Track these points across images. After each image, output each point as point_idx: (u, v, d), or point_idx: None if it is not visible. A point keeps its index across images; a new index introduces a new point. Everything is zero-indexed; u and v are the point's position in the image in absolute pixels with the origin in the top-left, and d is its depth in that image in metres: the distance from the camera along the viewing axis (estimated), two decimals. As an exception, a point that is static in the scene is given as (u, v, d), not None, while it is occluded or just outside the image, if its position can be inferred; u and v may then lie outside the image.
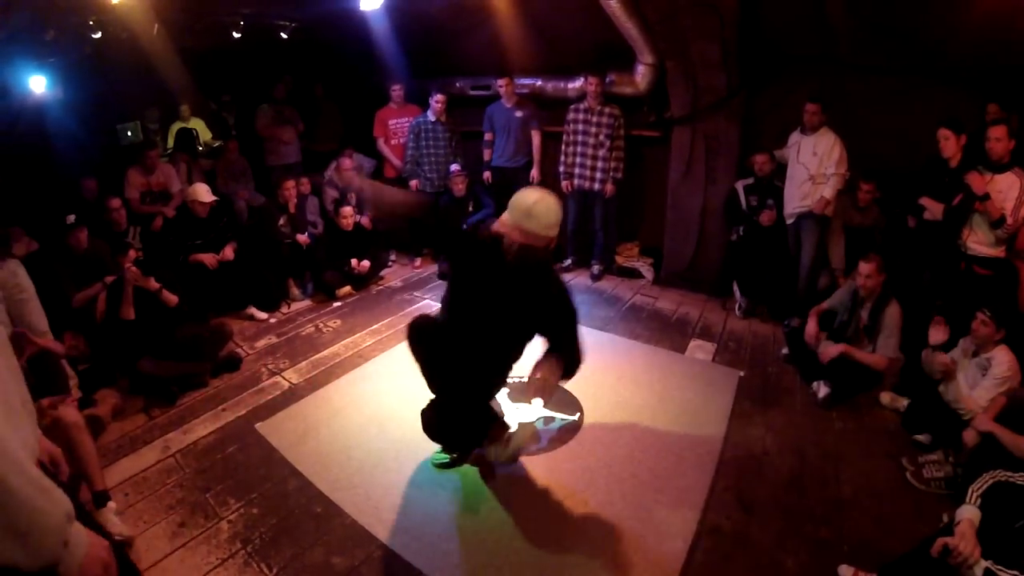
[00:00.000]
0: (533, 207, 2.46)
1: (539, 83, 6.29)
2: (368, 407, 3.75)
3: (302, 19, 6.27)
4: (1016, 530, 2.27)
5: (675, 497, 3.08)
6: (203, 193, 4.85)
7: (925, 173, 4.24)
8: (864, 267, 3.93)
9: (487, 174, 6.32)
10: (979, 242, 3.94)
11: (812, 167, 4.77)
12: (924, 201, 4.19)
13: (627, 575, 2.60)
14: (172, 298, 3.95)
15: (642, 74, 5.54)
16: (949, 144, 4.01)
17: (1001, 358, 3.31)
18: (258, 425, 3.49)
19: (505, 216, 2.54)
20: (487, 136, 6.25)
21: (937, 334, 3.59)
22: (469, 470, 3.16)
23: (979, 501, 2.34)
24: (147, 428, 3.45)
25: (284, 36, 6.31)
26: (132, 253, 3.97)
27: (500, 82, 5.98)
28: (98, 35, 4.97)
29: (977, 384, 3.39)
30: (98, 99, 6.13)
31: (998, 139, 3.77)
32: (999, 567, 2.12)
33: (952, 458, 3.25)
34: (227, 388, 3.90)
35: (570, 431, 3.58)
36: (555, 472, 3.23)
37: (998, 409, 3.15)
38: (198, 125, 6.75)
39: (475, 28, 6.25)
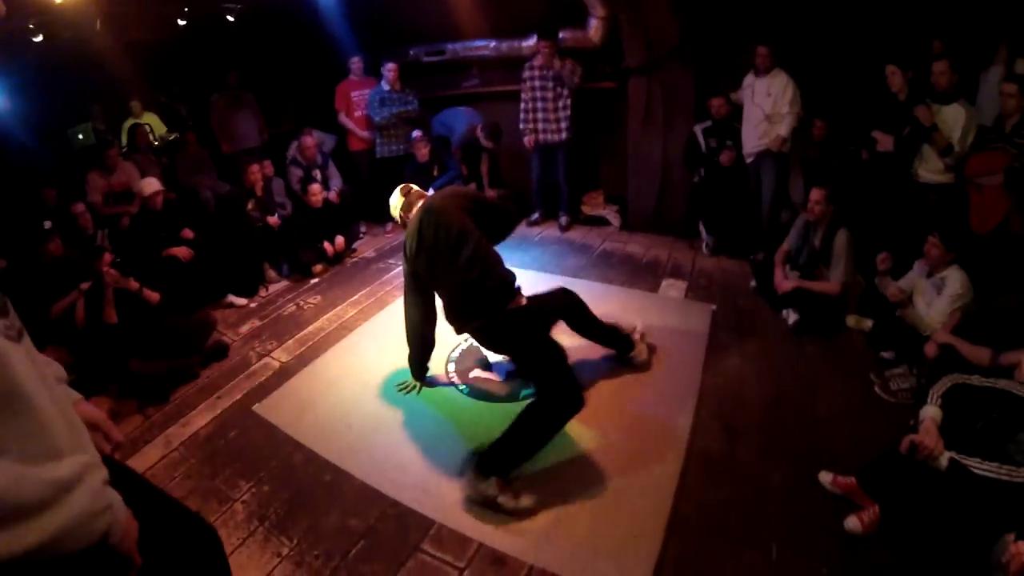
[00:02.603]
0: None
1: (493, 44, 6.29)
2: (359, 375, 3.86)
3: (248, 2, 6.13)
4: (978, 427, 2.50)
5: (662, 426, 3.29)
6: (147, 185, 4.83)
7: (876, 108, 4.43)
8: (814, 193, 4.14)
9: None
10: (929, 171, 4.17)
11: (767, 107, 4.93)
12: (876, 134, 4.39)
13: (625, 499, 2.80)
14: (153, 295, 3.97)
15: (595, 28, 5.60)
16: (896, 79, 4.21)
17: (953, 277, 3.55)
18: (256, 407, 3.57)
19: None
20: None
21: (882, 263, 3.84)
22: (468, 424, 3.34)
23: (939, 401, 2.58)
24: (146, 428, 3.47)
25: (231, 19, 6.16)
26: (107, 256, 3.93)
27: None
28: (39, 38, 4.81)
29: (933, 302, 3.63)
30: (45, 105, 5.98)
31: (942, 73, 3.98)
32: (962, 456, 2.34)
33: (915, 370, 3.52)
34: (219, 376, 3.95)
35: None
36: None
37: (954, 323, 3.41)
38: (152, 120, 6.61)
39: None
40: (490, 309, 2.96)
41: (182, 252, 4.73)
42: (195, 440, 3.34)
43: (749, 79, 5.08)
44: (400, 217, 3.35)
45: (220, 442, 3.30)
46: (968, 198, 4.01)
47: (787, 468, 2.99)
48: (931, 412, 2.55)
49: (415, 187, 3.42)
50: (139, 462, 3.15)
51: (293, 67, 7.01)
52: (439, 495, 2.84)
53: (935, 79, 4.02)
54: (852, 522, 2.60)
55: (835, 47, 4.99)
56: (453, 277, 2.97)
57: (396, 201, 3.36)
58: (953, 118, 3.98)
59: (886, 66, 4.24)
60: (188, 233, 4.93)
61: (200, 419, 3.52)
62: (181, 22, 5.74)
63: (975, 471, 2.30)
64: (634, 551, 2.53)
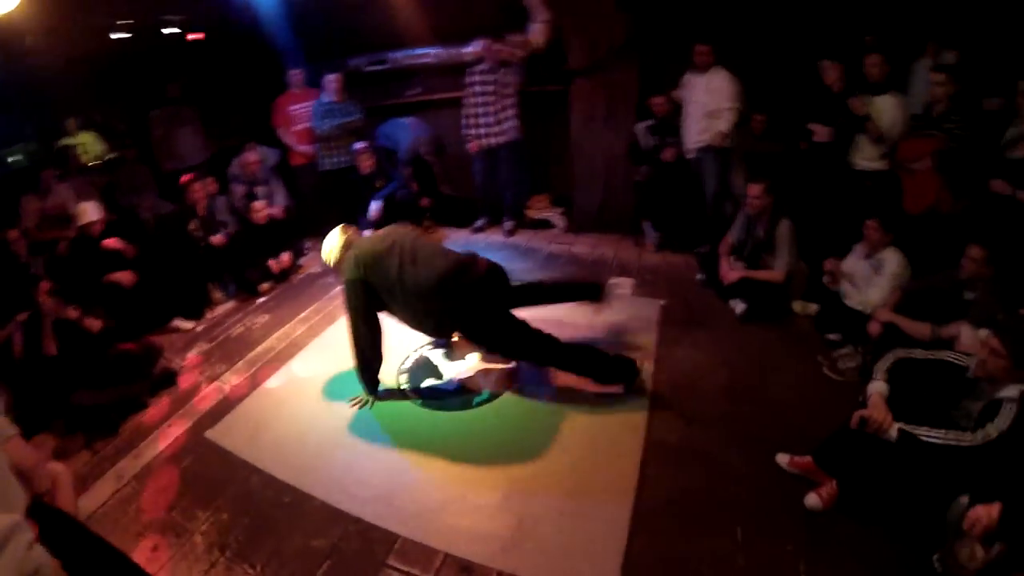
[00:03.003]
0: None
1: (435, 52, 6.29)
2: (312, 391, 3.80)
3: (187, 13, 5.96)
4: (923, 398, 2.62)
5: (618, 421, 3.32)
6: (84, 213, 4.62)
7: (812, 100, 4.60)
8: (753, 189, 4.27)
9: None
10: (865, 158, 4.36)
11: (707, 104, 5.04)
12: (813, 126, 4.55)
13: (587, 497, 2.81)
14: (95, 323, 3.78)
15: (539, 31, 5.63)
16: (831, 72, 4.39)
17: (891, 258, 3.72)
18: (208, 433, 3.45)
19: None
20: None
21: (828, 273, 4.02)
22: (424, 434, 3.33)
23: (885, 376, 2.69)
24: (95, 463, 3.30)
25: (171, 32, 5.97)
26: (45, 284, 3.71)
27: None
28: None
29: (873, 282, 3.77)
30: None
31: (874, 65, 4.18)
32: (911, 426, 2.44)
33: (860, 349, 3.66)
34: (168, 404, 3.80)
35: (508, 377, 3.77)
36: (501, 417, 3.43)
37: (895, 302, 3.56)
38: (87, 139, 6.32)
39: (368, 3, 6.12)
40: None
41: (124, 277, 4.53)
42: (148, 472, 3.20)
43: (689, 77, 5.19)
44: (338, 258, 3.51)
45: (174, 472, 3.18)
46: (901, 182, 4.19)
47: (745, 452, 3.06)
48: (878, 387, 2.66)
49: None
50: (91, 500, 2.99)
51: (236, 80, 6.80)
52: (401, 507, 2.81)
53: (868, 71, 4.22)
54: (812, 499, 2.69)
55: (771, 43, 5.15)
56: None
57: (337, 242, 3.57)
58: (885, 108, 4.18)
59: (821, 60, 4.40)
60: (116, 243, 4.70)
61: (151, 449, 3.38)
62: (119, 36, 5.52)
63: (924, 439, 2.40)
64: (602, 547, 2.54)
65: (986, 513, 2.02)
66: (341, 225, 3.67)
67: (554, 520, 2.69)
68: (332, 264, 3.56)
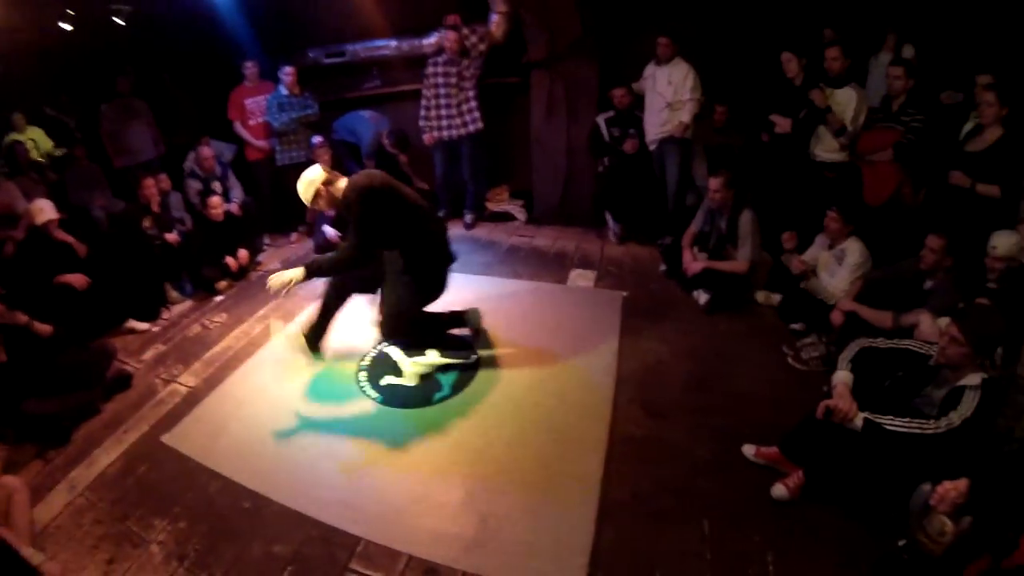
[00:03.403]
0: None
1: (394, 44, 6.16)
2: (271, 391, 3.71)
3: (138, 3, 5.74)
4: (887, 386, 2.68)
5: (582, 414, 3.32)
6: (39, 212, 4.41)
7: (773, 92, 4.63)
8: (713, 182, 4.30)
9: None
10: (825, 150, 4.40)
11: (668, 95, 5.05)
12: (774, 118, 4.59)
13: (552, 494, 2.80)
14: (45, 328, 3.61)
15: (497, 23, 5.57)
16: (792, 65, 4.43)
17: (853, 248, 3.78)
18: (164, 438, 3.33)
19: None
20: None
21: (787, 241, 4.03)
22: (384, 432, 3.28)
23: (849, 366, 2.73)
24: (47, 473, 3.15)
25: (121, 22, 5.74)
26: None
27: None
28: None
29: (835, 272, 3.82)
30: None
31: (834, 59, 4.23)
32: (876, 415, 2.48)
33: (824, 339, 3.72)
34: (123, 409, 3.65)
35: (469, 373, 3.73)
36: (464, 415, 3.38)
37: (856, 291, 3.63)
38: (36, 135, 6.04)
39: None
40: None
41: (76, 280, 4.30)
42: (102, 481, 3.07)
43: (650, 69, 5.19)
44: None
45: (129, 480, 3.06)
46: (861, 174, 4.25)
47: (711, 444, 3.08)
48: (842, 376, 2.69)
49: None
50: (43, 512, 2.85)
51: (189, 72, 6.55)
52: (363, 509, 2.76)
53: (828, 64, 4.26)
54: (779, 489, 2.72)
55: (732, 35, 5.19)
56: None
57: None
58: (846, 100, 4.23)
59: (782, 53, 4.43)
60: (69, 238, 4.50)
61: (106, 457, 3.23)
62: (65, 26, 5.29)
63: (888, 428, 2.44)
64: (568, 544, 2.53)
65: (955, 487, 2.06)
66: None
67: (519, 518, 2.67)
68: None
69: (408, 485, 2.89)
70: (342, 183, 3.36)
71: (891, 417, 2.48)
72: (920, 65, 4.13)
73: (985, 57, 4.09)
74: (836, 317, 3.57)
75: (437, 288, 3.64)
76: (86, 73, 6.24)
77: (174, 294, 5.05)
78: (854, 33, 4.58)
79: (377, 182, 3.32)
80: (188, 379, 3.92)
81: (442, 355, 3.84)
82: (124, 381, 3.88)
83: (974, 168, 3.59)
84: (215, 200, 5.28)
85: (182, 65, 6.44)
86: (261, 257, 5.86)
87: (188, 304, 5.03)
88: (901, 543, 2.26)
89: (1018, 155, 3.47)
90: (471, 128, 5.76)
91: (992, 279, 3.12)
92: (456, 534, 2.59)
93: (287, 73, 5.78)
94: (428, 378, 3.71)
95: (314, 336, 3.83)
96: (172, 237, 5.10)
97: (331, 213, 5.71)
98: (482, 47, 5.62)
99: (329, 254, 3.61)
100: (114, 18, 5.71)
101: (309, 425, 3.37)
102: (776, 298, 4.30)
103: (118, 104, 5.91)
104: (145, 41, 6.25)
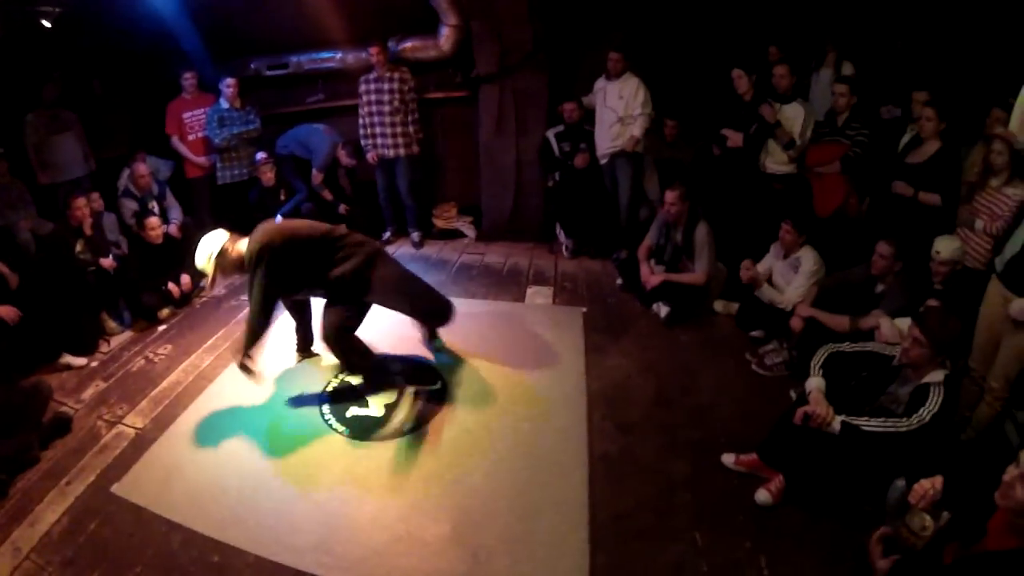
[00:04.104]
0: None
1: (339, 55, 6.00)
2: (228, 430, 3.46)
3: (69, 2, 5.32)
4: (852, 387, 2.81)
5: (558, 437, 3.28)
6: None
7: (723, 107, 4.76)
8: (669, 195, 4.39)
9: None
10: (775, 162, 4.57)
11: (619, 110, 5.12)
12: (725, 132, 4.72)
13: (540, 522, 2.75)
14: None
15: (446, 36, 5.52)
16: (742, 82, 4.57)
17: (807, 256, 3.94)
18: (114, 488, 3.03)
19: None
20: None
21: (746, 272, 4.11)
22: (356, 466, 3.15)
23: (820, 371, 2.85)
24: None
25: (47, 24, 5.31)
26: None
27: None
28: None
29: (791, 280, 3.94)
30: None
31: (782, 76, 4.42)
32: (851, 418, 2.60)
33: (785, 344, 3.84)
34: (64, 456, 3.31)
35: (437, 401, 3.64)
36: (436, 444, 3.29)
37: (813, 297, 3.77)
38: None
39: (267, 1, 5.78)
40: None
41: (6, 313, 3.93)
42: (49, 542, 2.74)
43: (601, 83, 5.24)
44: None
45: (80, 538, 2.75)
46: (810, 186, 4.41)
47: (688, 456, 3.12)
48: (815, 383, 2.80)
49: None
50: None
51: (123, 81, 6.14)
52: (342, 553, 2.62)
53: (776, 81, 4.46)
54: (762, 495, 2.80)
55: (682, 51, 5.31)
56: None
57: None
58: (793, 115, 4.42)
59: (732, 70, 4.57)
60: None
61: (50, 513, 2.90)
62: None
63: (865, 429, 2.56)
64: (564, 571, 2.49)
65: (931, 485, 2.13)
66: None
67: (509, 549, 2.60)
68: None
69: (387, 523, 2.76)
70: (242, 244, 3.37)
71: (866, 418, 2.60)
72: (859, 81, 4.31)
73: (919, 73, 4.34)
74: (796, 323, 3.71)
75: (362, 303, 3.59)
76: (9, 80, 5.67)
77: (112, 324, 4.69)
78: (795, 49, 4.76)
79: (276, 238, 3.32)
80: (135, 420, 3.61)
81: (407, 382, 3.74)
82: (63, 425, 3.53)
83: (915, 178, 3.78)
84: (153, 221, 4.96)
85: (115, 73, 6.02)
86: (204, 282, 5.52)
87: (128, 335, 4.68)
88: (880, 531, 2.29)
89: (955, 166, 3.68)
90: (402, 152, 5.66)
91: (937, 281, 3.29)
92: (447, 571, 2.51)
93: (228, 85, 5.54)
94: (395, 407, 3.59)
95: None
96: (107, 262, 4.75)
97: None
98: (406, 89, 5.56)
99: (240, 334, 3.53)
100: (41, 20, 5.27)
101: (273, 465, 3.17)
102: (734, 307, 4.42)
103: (44, 114, 5.41)
104: (75, 46, 5.79)
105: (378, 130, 5.64)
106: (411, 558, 2.58)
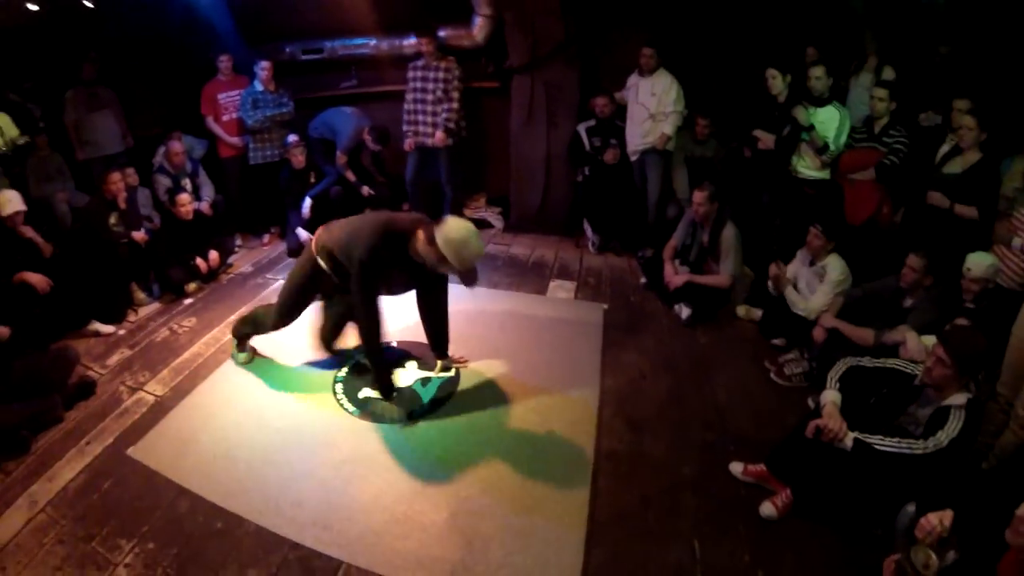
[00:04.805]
0: (464, 251, 2.88)
1: (373, 42, 6.06)
2: (242, 403, 3.54)
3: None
4: (871, 404, 2.70)
5: (566, 431, 3.27)
6: (9, 202, 4.16)
7: (756, 108, 4.68)
8: (697, 195, 4.31)
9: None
10: (807, 167, 4.46)
11: (651, 106, 5.05)
12: (757, 133, 4.64)
13: (538, 514, 2.74)
14: (2, 331, 3.42)
15: (479, 26, 5.54)
16: (776, 82, 4.49)
17: (833, 265, 3.82)
18: (130, 451, 3.15)
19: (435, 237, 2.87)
20: None
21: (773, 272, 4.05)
22: (362, 447, 3.17)
23: (837, 385, 2.75)
24: (5, 487, 2.93)
25: (89, 4, 5.45)
26: None
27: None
28: None
29: (816, 289, 3.85)
30: None
31: (818, 78, 4.29)
32: (865, 435, 2.49)
33: (806, 355, 3.75)
34: (86, 418, 3.44)
35: (450, 388, 3.65)
36: (446, 431, 3.30)
37: (837, 308, 3.65)
38: (2, 121, 5.72)
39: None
40: None
41: (38, 282, 4.04)
42: (64, 497, 2.87)
43: (633, 79, 5.19)
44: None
45: (94, 496, 2.87)
46: (842, 192, 4.29)
47: (696, 459, 3.08)
48: (831, 396, 2.70)
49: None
50: (2, 529, 2.66)
51: (160, 62, 6.25)
52: (342, 530, 2.65)
53: (811, 83, 4.34)
54: (767, 508, 2.72)
55: (717, 49, 5.22)
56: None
57: None
58: (828, 119, 4.30)
59: (767, 70, 4.48)
60: (33, 233, 4.29)
61: (68, 471, 3.03)
62: (32, 7, 5.01)
63: (878, 448, 2.45)
64: (557, 566, 2.48)
65: (938, 520, 2.06)
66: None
67: (505, 540, 2.60)
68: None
69: (388, 504, 2.79)
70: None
71: (880, 437, 2.49)
72: (900, 87, 4.19)
73: (961, 80, 4.17)
74: (818, 333, 3.61)
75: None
76: (52, 58, 5.87)
77: (141, 295, 4.83)
78: (835, 52, 4.64)
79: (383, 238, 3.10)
80: (155, 387, 3.73)
81: (420, 368, 3.77)
82: (87, 388, 3.66)
83: (952, 190, 3.65)
84: (184, 197, 5.08)
85: (153, 54, 6.15)
86: (232, 259, 5.64)
87: (155, 306, 4.82)
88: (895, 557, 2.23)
89: (994, 178, 3.54)
90: (439, 142, 5.62)
91: (968, 299, 3.16)
92: (441, 557, 2.51)
93: (263, 68, 5.63)
94: (407, 392, 3.61)
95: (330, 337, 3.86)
96: (139, 235, 4.89)
97: (306, 215, 5.61)
98: (451, 78, 5.51)
99: (364, 359, 3.60)
100: (85, 1, 5.42)
101: (283, 440, 3.22)
102: (757, 313, 4.33)
103: (83, 91, 5.59)
104: (115, 26, 5.94)
105: (420, 117, 5.65)
106: (408, 541, 2.60)
